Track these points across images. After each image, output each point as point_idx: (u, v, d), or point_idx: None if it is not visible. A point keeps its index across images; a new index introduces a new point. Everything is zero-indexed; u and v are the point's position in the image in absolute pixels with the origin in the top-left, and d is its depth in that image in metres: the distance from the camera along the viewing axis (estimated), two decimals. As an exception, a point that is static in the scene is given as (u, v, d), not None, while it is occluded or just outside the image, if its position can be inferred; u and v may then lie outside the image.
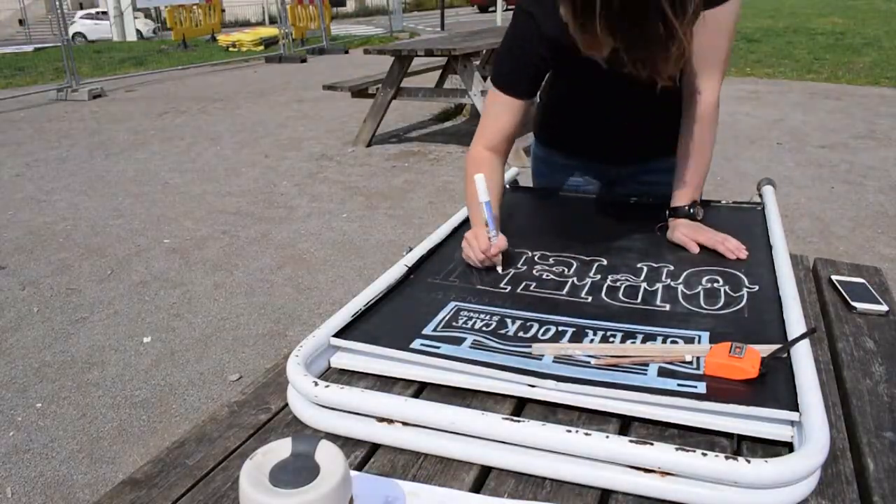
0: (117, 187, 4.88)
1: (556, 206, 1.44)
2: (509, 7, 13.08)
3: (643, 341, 0.88)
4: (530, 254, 1.18)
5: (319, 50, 13.03)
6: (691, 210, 1.22)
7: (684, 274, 1.07)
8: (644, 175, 1.46)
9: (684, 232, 1.19)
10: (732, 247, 1.14)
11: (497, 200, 1.23)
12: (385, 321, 0.95)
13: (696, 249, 1.16)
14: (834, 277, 1.16)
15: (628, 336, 0.89)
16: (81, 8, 22.57)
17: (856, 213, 3.83)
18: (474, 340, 0.89)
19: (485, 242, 1.10)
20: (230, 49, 14.04)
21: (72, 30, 16.63)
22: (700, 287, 1.03)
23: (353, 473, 0.70)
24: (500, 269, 1.12)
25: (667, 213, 1.25)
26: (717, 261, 1.11)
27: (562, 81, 1.41)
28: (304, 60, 11.90)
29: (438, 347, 0.87)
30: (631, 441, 0.68)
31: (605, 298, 1.01)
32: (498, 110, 1.27)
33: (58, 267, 3.52)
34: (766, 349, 0.81)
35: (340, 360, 0.91)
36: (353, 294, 1.00)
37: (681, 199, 1.24)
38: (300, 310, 2.98)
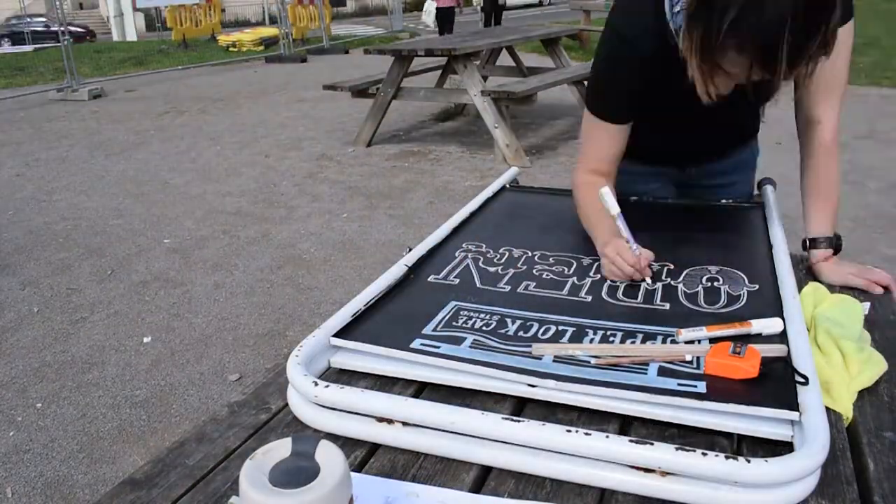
0: (117, 187, 4.88)
1: (556, 206, 1.44)
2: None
3: (643, 341, 0.88)
4: (530, 254, 1.18)
5: (319, 50, 13.03)
6: (839, 240, 1.15)
7: (684, 273, 1.07)
8: (718, 177, 1.43)
9: (852, 272, 1.11)
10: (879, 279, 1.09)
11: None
12: (385, 321, 0.95)
13: (879, 291, 1.08)
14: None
15: (628, 335, 0.89)
16: (81, 8, 22.56)
17: (856, 213, 3.83)
18: (474, 340, 0.89)
19: (632, 256, 1.02)
20: (230, 49, 14.04)
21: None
22: (700, 286, 1.03)
23: (353, 474, 0.70)
24: (648, 281, 1.03)
25: (805, 243, 1.17)
26: (717, 260, 1.11)
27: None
28: (304, 60, 11.89)
29: (438, 347, 0.87)
30: (631, 441, 0.68)
31: (606, 298, 1.01)
32: (597, 135, 1.23)
33: (58, 267, 3.52)
34: (766, 349, 0.81)
35: (340, 360, 0.91)
36: (353, 294, 1.00)
37: (822, 226, 1.16)
38: (300, 310, 2.98)
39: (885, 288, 1.08)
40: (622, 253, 1.03)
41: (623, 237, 1.04)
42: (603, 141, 1.23)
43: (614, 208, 1.05)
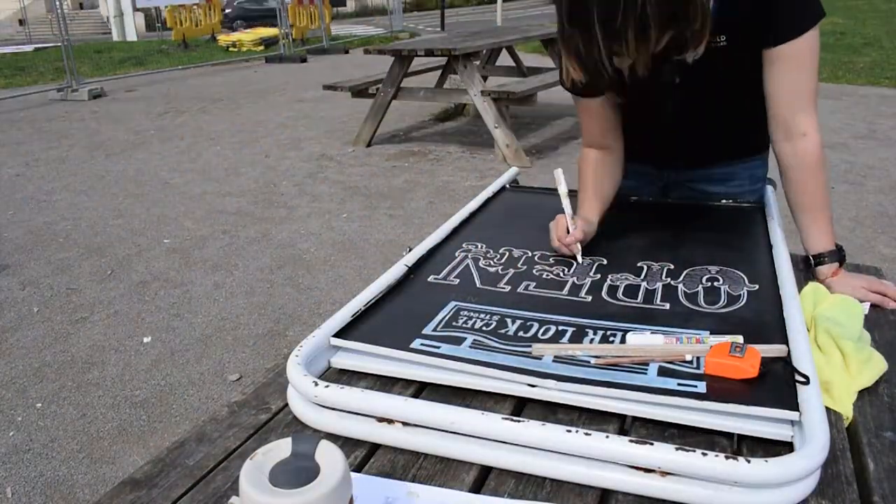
0: (117, 187, 4.88)
1: (556, 206, 1.44)
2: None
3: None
4: (530, 254, 1.18)
5: (319, 50, 13.03)
6: (842, 252, 1.13)
7: (684, 273, 1.07)
8: (699, 182, 1.42)
9: (864, 286, 1.08)
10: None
11: (597, 193, 1.25)
12: (385, 321, 0.95)
13: (893, 306, 1.05)
14: None
15: (628, 336, 0.89)
16: (81, 8, 22.55)
17: (856, 213, 3.83)
18: (474, 340, 0.89)
19: (561, 231, 1.15)
20: (230, 49, 14.04)
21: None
22: (700, 286, 1.03)
23: (353, 474, 0.70)
24: (579, 258, 1.13)
25: (811, 261, 1.15)
26: (716, 260, 1.11)
27: None
28: (304, 60, 11.90)
29: (438, 347, 0.87)
30: (631, 441, 0.68)
31: (606, 298, 1.01)
32: (582, 113, 1.28)
33: (58, 267, 3.52)
34: (766, 349, 0.81)
35: (340, 360, 0.91)
36: (353, 294, 1.00)
37: (823, 241, 1.14)
38: (300, 310, 2.98)
39: None
40: (557, 225, 1.16)
41: (566, 214, 1.16)
42: (587, 119, 1.28)
43: (562, 187, 1.17)
